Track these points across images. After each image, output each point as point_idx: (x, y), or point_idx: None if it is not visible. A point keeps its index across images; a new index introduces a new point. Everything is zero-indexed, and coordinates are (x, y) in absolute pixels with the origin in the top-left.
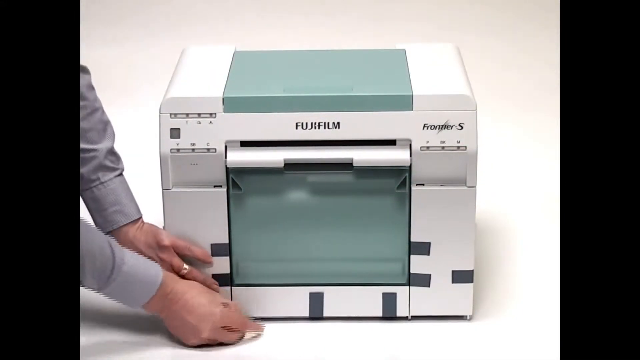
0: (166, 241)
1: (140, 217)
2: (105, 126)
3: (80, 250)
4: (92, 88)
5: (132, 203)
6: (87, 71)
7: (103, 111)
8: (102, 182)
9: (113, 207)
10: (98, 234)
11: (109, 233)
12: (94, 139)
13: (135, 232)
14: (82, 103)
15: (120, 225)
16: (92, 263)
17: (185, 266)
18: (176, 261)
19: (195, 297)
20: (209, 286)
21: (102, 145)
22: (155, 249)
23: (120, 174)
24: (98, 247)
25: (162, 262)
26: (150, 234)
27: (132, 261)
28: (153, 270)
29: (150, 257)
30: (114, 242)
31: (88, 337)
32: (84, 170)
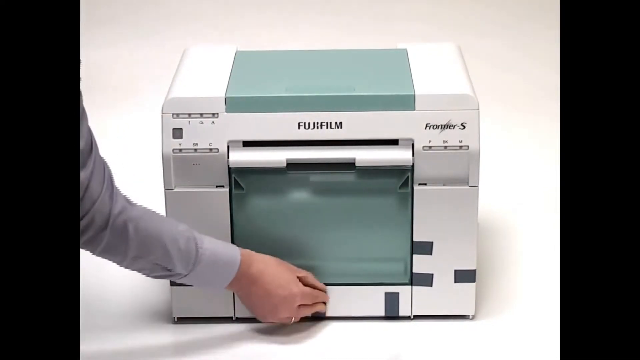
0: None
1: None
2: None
3: (161, 239)
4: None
5: (227, 250)
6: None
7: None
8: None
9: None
10: (172, 221)
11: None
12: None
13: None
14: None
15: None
16: (177, 248)
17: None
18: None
19: (274, 277)
20: (317, 295)
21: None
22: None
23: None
24: (178, 232)
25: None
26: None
27: (210, 241)
28: (231, 250)
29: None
30: (186, 226)
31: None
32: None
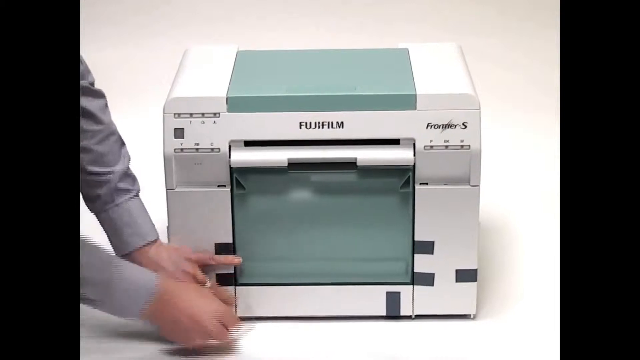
0: (190, 254)
1: (157, 239)
2: (120, 149)
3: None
4: (106, 111)
5: (147, 224)
6: (101, 95)
7: (118, 133)
8: (117, 204)
9: (128, 229)
10: (93, 246)
11: (126, 255)
12: (109, 162)
13: (155, 250)
14: (97, 127)
15: (136, 247)
16: (91, 272)
17: (208, 281)
18: (200, 274)
19: (192, 293)
20: (225, 300)
21: (117, 168)
22: (179, 262)
23: (136, 195)
24: (95, 257)
25: (186, 275)
26: (172, 250)
27: (126, 265)
28: (147, 274)
29: (172, 273)
30: (107, 250)
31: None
32: (99, 192)
